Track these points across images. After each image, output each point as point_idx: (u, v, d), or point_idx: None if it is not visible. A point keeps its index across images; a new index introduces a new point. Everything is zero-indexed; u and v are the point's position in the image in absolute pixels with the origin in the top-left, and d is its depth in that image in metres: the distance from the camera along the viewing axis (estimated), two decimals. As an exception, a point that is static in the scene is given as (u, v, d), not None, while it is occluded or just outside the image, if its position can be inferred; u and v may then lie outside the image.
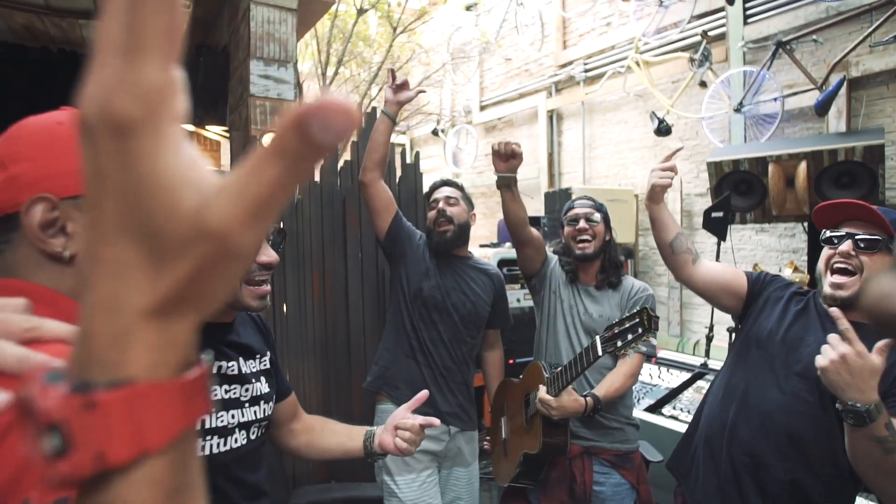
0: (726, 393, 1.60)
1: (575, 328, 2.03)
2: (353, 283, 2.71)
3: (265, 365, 1.31)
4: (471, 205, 2.27)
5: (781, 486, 1.46)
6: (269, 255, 1.15)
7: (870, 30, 3.71)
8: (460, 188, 2.25)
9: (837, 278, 1.41)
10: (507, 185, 2.03)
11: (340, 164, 2.73)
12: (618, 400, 1.91)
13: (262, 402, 1.25)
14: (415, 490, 1.97)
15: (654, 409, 3.13)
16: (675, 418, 2.73)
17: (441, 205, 2.14)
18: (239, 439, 1.18)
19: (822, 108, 3.72)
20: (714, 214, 3.53)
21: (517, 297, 4.13)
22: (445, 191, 2.21)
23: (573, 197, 2.27)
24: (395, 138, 4.53)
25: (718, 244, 3.68)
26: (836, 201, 1.50)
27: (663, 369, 3.44)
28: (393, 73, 2.18)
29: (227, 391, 1.17)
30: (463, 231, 2.17)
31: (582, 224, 2.03)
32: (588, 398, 1.80)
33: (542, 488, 1.93)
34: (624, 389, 1.89)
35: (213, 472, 1.10)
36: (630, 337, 1.60)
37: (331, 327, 2.67)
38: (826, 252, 1.48)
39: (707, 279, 1.74)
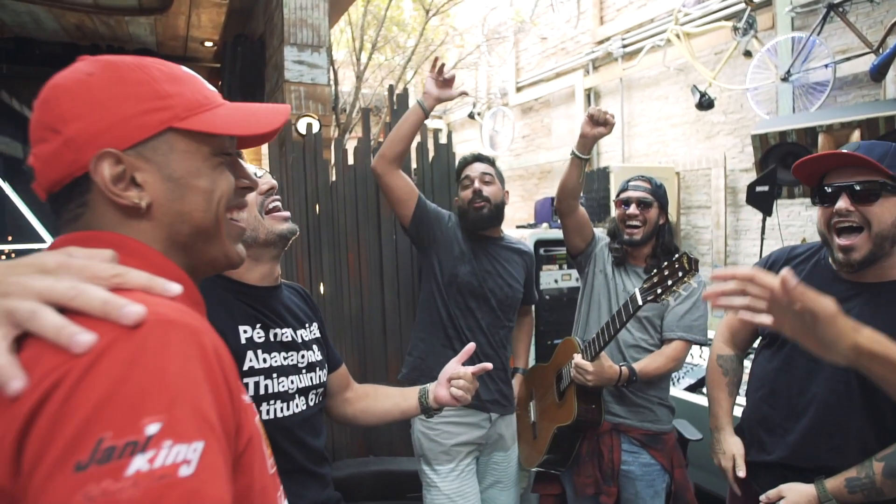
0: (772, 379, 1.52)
1: (619, 307, 1.98)
2: (388, 263, 2.76)
3: (315, 333, 1.33)
4: (503, 182, 2.12)
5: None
6: (267, 181, 1.22)
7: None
8: (493, 163, 2.09)
9: (844, 240, 1.28)
10: (584, 153, 1.94)
11: (373, 144, 2.76)
12: (653, 380, 1.88)
13: (317, 369, 1.27)
14: (454, 480, 1.93)
15: (695, 388, 3.07)
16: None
17: (477, 184, 1.97)
18: (299, 404, 1.20)
19: (878, 73, 3.51)
20: (759, 189, 3.40)
21: (554, 277, 4.09)
22: (479, 167, 2.03)
23: (631, 176, 2.08)
24: (430, 122, 4.54)
25: (763, 220, 3.55)
26: (815, 155, 1.34)
27: (705, 349, 3.36)
28: (440, 65, 2.02)
29: (285, 357, 1.19)
30: (499, 210, 2.02)
31: (632, 209, 1.91)
32: (624, 367, 1.78)
33: (574, 465, 1.93)
34: (664, 371, 1.84)
35: (278, 435, 1.13)
36: (670, 282, 1.56)
37: (367, 307, 2.73)
38: (822, 212, 1.34)
39: None
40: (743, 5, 4.42)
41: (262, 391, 1.13)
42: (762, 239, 3.54)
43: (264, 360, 1.15)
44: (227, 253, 0.71)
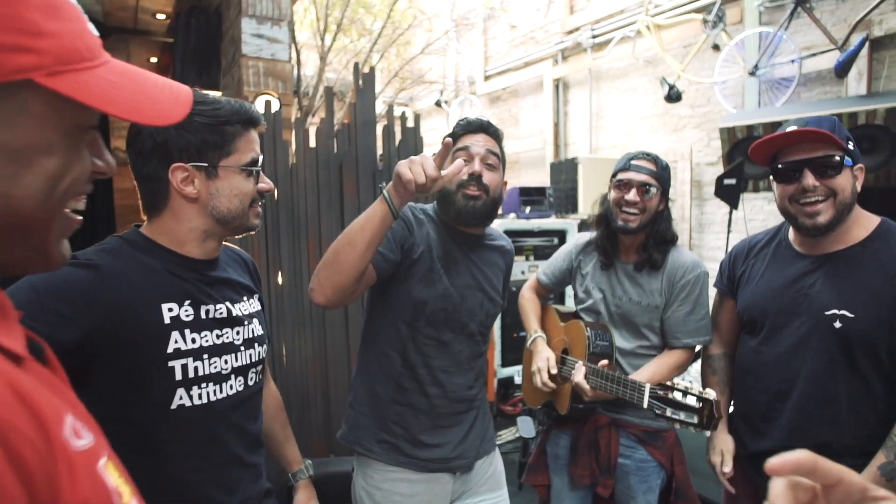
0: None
1: (616, 316, 1.80)
2: (352, 252, 2.62)
3: (256, 306, 1.26)
4: (505, 168, 1.62)
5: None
6: (267, 182, 1.18)
7: (895, -14, 3.52)
8: (501, 140, 1.57)
9: (810, 207, 1.35)
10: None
11: (337, 126, 2.61)
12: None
13: (256, 345, 1.21)
14: None
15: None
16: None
17: (477, 165, 1.46)
18: (235, 385, 1.15)
19: (842, 70, 3.55)
20: (726, 181, 3.40)
21: (521, 269, 4.03)
22: (482, 142, 1.49)
23: (633, 152, 1.79)
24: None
25: (730, 213, 3.56)
26: (776, 133, 1.38)
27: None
28: (448, 145, 1.32)
29: (218, 336, 1.12)
30: (495, 206, 1.52)
31: (632, 195, 1.69)
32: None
33: (572, 457, 1.85)
34: (665, 380, 1.75)
35: (212, 421, 1.10)
36: (681, 415, 1.38)
37: (328, 297, 2.58)
38: (784, 188, 1.40)
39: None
40: (713, -2, 4.42)
41: (190, 374, 1.07)
42: (728, 231, 3.55)
43: (193, 341, 1.08)
44: (48, 254, 0.52)
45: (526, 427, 2.36)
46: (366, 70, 2.66)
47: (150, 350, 1.02)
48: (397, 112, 2.82)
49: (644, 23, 4.98)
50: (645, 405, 1.45)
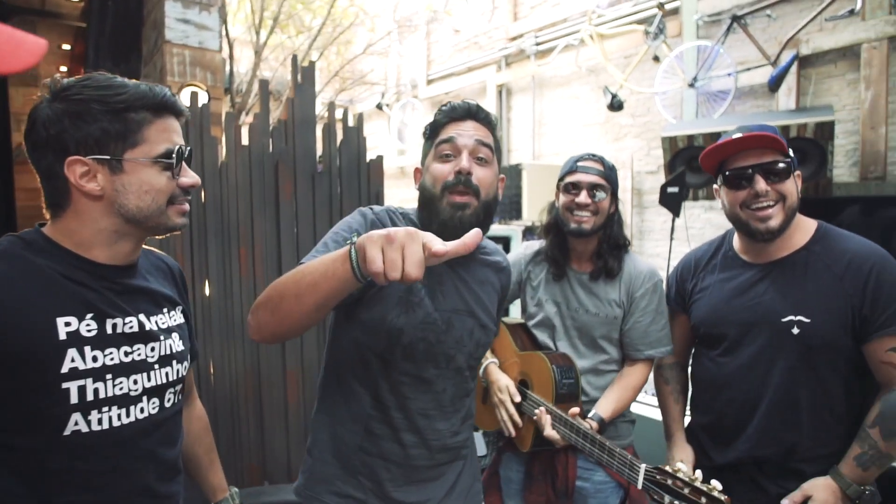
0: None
1: (572, 330, 1.70)
2: (288, 259, 2.40)
3: (177, 319, 1.14)
4: (501, 162, 1.33)
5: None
6: (191, 177, 1.04)
7: (821, 6, 3.69)
8: (495, 128, 1.29)
9: (762, 212, 1.37)
10: None
11: (272, 122, 2.40)
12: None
13: (174, 362, 1.08)
14: None
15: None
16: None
17: (465, 161, 1.18)
18: (147, 408, 1.02)
19: (775, 84, 3.69)
20: (670, 190, 3.44)
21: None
22: (471, 131, 1.22)
23: (579, 154, 1.71)
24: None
25: (673, 220, 3.60)
26: (723, 141, 1.40)
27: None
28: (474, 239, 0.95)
29: (126, 353, 0.99)
30: (488, 213, 1.24)
31: (583, 197, 1.61)
32: (592, 422, 1.54)
33: (527, 484, 1.73)
34: (631, 403, 1.67)
35: (116, 448, 0.98)
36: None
37: (262, 309, 2.36)
38: (735, 194, 1.41)
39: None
40: (655, 10, 4.50)
41: (89, 397, 0.94)
42: (671, 239, 3.60)
43: (94, 359, 0.95)
44: None
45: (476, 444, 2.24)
46: (305, 64, 2.47)
47: (40, 369, 0.90)
48: (339, 111, 2.63)
49: (587, 32, 5.03)
50: (639, 486, 1.31)
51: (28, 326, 0.89)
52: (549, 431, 1.52)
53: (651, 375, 1.72)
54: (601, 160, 1.69)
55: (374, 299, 1.18)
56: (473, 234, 0.86)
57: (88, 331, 0.94)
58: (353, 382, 1.24)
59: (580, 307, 1.69)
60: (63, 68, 4.97)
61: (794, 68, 3.88)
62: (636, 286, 1.66)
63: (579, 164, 1.66)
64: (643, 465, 1.31)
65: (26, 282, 0.91)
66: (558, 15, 5.76)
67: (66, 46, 4.98)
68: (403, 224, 1.23)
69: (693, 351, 1.67)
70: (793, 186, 1.38)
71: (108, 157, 0.94)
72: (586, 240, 1.67)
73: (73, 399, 0.91)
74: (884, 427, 1.30)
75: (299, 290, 0.95)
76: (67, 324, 0.92)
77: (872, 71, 3.58)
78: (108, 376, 0.96)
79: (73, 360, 0.92)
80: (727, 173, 1.41)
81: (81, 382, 0.92)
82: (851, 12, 3.50)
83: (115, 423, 0.96)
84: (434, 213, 1.20)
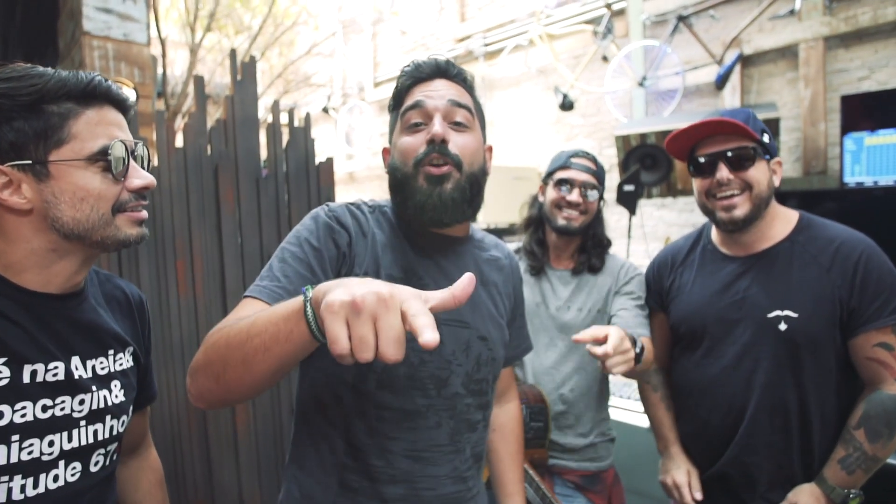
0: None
1: (551, 330, 1.61)
2: (232, 273, 2.20)
3: (124, 363, 0.95)
4: (485, 127, 1.10)
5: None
6: (142, 177, 0.87)
7: (761, 8, 3.79)
8: (471, 87, 1.07)
9: (726, 201, 1.32)
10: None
11: (211, 123, 2.19)
12: (593, 409, 1.61)
13: (108, 418, 0.90)
14: None
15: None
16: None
17: (438, 126, 0.96)
18: (64, 475, 0.83)
19: (721, 83, 3.75)
20: (626, 188, 3.43)
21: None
22: (442, 90, 1.01)
23: (570, 150, 1.67)
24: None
25: (630, 219, 3.60)
26: (686, 126, 1.35)
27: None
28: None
29: (45, 408, 0.81)
30: (476, 187, 1.02)
31: (575, 196, 1.56)
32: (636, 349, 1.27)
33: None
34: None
35: None
36: None
37: (204, 327, 2.14)
38: (700, 182, 1.36)
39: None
40: (603, 10, 4.52)
41: None
42: (629, 237, 3.58)
43: None
44: None
45: None
46: (245, 58, 2.27)
47: None
48: (285, 112, 2.44)
49: (536, 32, 5.01)
50: None
51: None
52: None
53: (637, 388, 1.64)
54: (594, 159, 1.66)
55: None
56: (467, 280, 0.65)
57: None
58: (324, 424, 1.00)
59: (563, 305, 1.62)
60: (-27, 70, 4.51)
61: (737, 67, 3.96)
62: (622, 277, 1.62)
63: (573, 160, 1.62)
64: None
65: None
66: (506, 16, 5.72)
67: (-25, 45, 4.52)
68: (369, 216, 1.03)
69: (673, 354, 1.57)
70: (761, 174, 1.31)
71: (29, 162, 0.78)
72: (569, 237, 1.63)
73: None
74: (868, 428, 1.24)
75: (246, 356, 0.74)
76: None
77: (810, 69, 3.69)
78: (14, 438, 0.77)
79: None
80: (696, 160, 1.35)
81: None
82: (791, 12, 3.60)
83: (17, 496, 0.78)
84: (408, 194, 0.98)
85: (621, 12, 4.63)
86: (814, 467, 1.31)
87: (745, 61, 4.04)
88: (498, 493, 1.22)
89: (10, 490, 0.77)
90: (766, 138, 1.33)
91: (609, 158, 4.63)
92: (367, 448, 0.97)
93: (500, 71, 5.80)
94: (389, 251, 0.99)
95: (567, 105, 4.64)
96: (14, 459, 0.78)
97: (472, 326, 1.04)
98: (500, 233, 4.58)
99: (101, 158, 0.82)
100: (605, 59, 4.65)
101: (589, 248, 1.63)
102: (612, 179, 3.65)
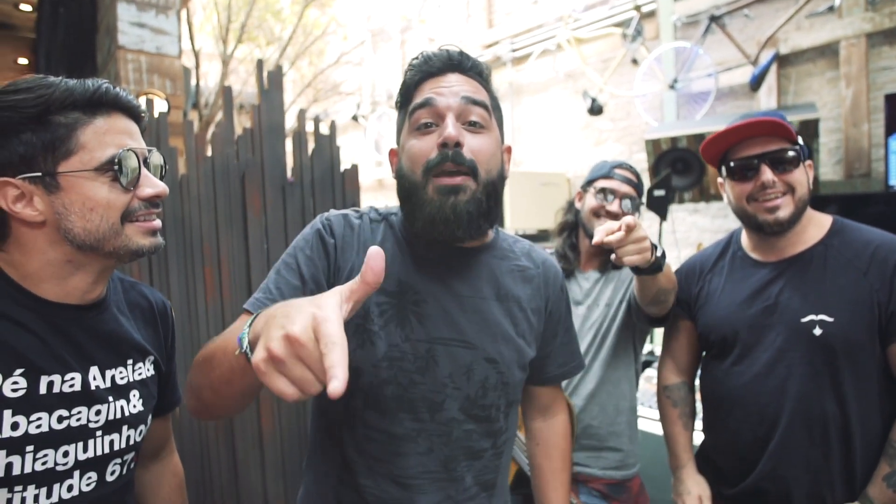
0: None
1: (581, 330, 1.62)
2: (258, 278, 2.22)
3: (144, 373, 0.95)
4: (502, 127, 1.00)
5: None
6: (153, 185, 0.86)
7: (798, 5, 3.66)
8: (487, 79, 0.97)
9: (769, 203, 1.26)
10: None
11: (238, 132, 2.23)
12: (620, 416, 1.58)
13: (125, 428, 0.89)
14: None
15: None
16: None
17: (451, 128, 0.87)
18: (79, 484, 0.83)
19: (756, 84, 3.64)
20: (657, 193, 3.35)
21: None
22: (455, 86, 0.91)
23: (613, 161, 1.69)
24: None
25: (660, 224, 3.51)
26: (726, 129, 1.29)
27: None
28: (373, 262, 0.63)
29: (61, 419, 0.81)
30: (494, 197, 0.93)
31: (615, 207, 1.57)
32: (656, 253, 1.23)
33: None
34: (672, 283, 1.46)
35: None
36: None
37: (231, 332, 2.17)
38: (741, 187, 1.30)
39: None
40: (632, 13, 4.45)
41: (0, 472, 0.76)
42: (659, 243, 3.49)
43: (14, 426, 0.77)
44: None
45: None
46: (273, 67, 2.31)
47: None
48: (310, 120, 2.48)
49: (564, 37, 4.97)
50: None
51: None
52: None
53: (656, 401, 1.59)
54: (636, 172, 1.67)
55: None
56: (374, 255, 0.59)
57: (14, 390, 0.77)
58: (326, 436, 0.97)
59: (593, 304, 1.62)
60: (21, 84, 4.72)
61: (774, 67, 3.85)
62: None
63: (616, 171, 1.62)
64: None
65: None
66: (534, 21, 5.70)
67: (24, 60, 4.75)
68: (366, 223, 0.97)
69: (701, 365, 1.52)
70: (803, 176, 1.27)
71: (39, 175, 0.78)
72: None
73: None
74: None
75: (213, 384, 0.76)
76: None
77: (852, 68, 3.55)
78: (29, 448, 0.78)
79: None
80: (731, 164, 1.30)
81: None
82: (830, 9, 3.47)
83: None
84: (417, 205, 0.89)
85: (651, 14, 4.55)
86: (856, 484, 1.23)
87: (782, 61, 3.92)
88: None
89: (23, 499, 0.78)
90: (800, 140, 1.29)
91: (639, 163, 4.54)
92: (356, 466, 0.93)
93: (527, 76, 5.77)
94: (387, 263, 0.82)
95: (596, 109, 4.58)
96: (28, 470, 0.78)
97: (478, 347, 0.94)
98: (527, 239, 4.55)
99: (109, 168, 0.81)
100: (634, 62, 4.58)
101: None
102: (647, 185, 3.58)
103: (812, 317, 1.24)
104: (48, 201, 0.79)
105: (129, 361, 0.92)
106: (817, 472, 1.25)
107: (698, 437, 1.51)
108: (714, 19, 3.93)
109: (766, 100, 3.95)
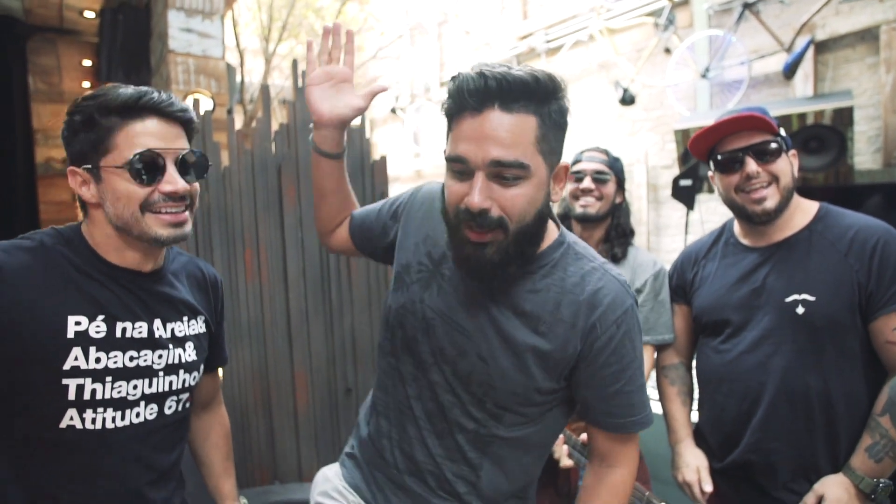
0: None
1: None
2: (293, 262, 2.42)
3: (196, 329, 1.14)
4: (560, 147, 0.98)
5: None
6: (172, 182, 0.99)
7: (836, -11, 3.59)
8: (538, 100, 0.91)
9: (756, 194, 1.34)
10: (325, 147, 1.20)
11: (275, 127, 2.42)
12: None
13: (181, 371, 1.09)
14: None
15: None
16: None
17: (476, 198, 0.87)
18: (144, 413, 1.03)
19: (790, 71, 3.59)
20: (682, 183, 3.37)
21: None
22: (489, 140, 0.87)
23: (583, 148, 1.81)
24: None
25: (687, 214, 3.53)
26: (709, 126, 1.36)
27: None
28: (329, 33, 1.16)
29: (132, 358, 1.01)
30: (526, 239, 0.93)
31: (587, 183, 1.67)
32: None
33: None
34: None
35: (105, 449, 0.99)
36: None
37: (268, 312, 2.38)
38: (728, 179, 1.37)
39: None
40: (664, 2, 4.43)
41: (86, 396, 0.96)
42: (686, 234, 3.51)
43: (97, 360, 0.97)
44: None
45: None
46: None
47: (45, 363, 0.93)
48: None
49: (597, 27, 4.98)
50: None
51: (39, 322, 0.93)
52: (566, 462, 1.48)
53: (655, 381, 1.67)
54: (605, 151, 1.76)
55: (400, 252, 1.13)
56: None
57: (97, 332, 0.97)
58: (377, 369, 1.16)
59: None
60: (85, 84, 5.10)
61: (810, 54, 3.77)
62: (637, 274, 1.66)
63: (584, 154, 1.75)
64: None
65: (46, 276, 0.95)
66: (567, 12, 5.71)
67: (87, 63, 5.13)
68: (427, 206, 1.12)
69: (696, 346, 1.60)
70: (786, 166, 1.34)
71: (89, 167, 0.97)
72: (592, 227, 1.72)
73: (71, 396, 0.94)
74: (894, 414, 1.22)
75: (318, 187, 1.26)
76: (77, 323, 0.95)
77: (893, 53, 3.45)
78: (108, 379, 0.97)
79: (76, 359, 0.94)
80: (718, 158, 1.38)
81: (80, 381, 0.94)
82: (868, -7, 3.39)
83: (109, 425, 0.98)
84: (454, 239, 0.94)
85: (684, 3, 4.52)
86: (840, 457, 1.29)
87: (819, 47, 3.83)
88: None
89: (104, 420, 0.98)
90: (782, 131, 1.37)
91: (671, 153, 4.54)
92: (378, 395, 1.14)
93: (560, 67, 5.80)
94: (441, 237, 1.03)
95: (628, 99, 4.59)
96: (107, 396, 0.98)
97: (474, 340, 0.98)
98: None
99: (131, 165, 0.96)
100: (667, 51, 4.55)
101: (612, 238, 1.70)
102: (675, 175, 3.59)
103: (795, 296, 1.31)
104: (97, 188, 0.99)
105: (185, 318, 1.11)
106: (800, 444, 1.32)
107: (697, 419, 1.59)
108: (747, 6, 3.88)
109: (801, 87, 3.88)
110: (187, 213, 1.03)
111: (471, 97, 0.86)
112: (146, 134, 0.97)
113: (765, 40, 4.01)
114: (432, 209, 1.07)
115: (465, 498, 1.03)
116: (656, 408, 2.31)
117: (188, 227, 1.03)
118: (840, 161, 3.23)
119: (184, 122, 1.04)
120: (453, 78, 0.90)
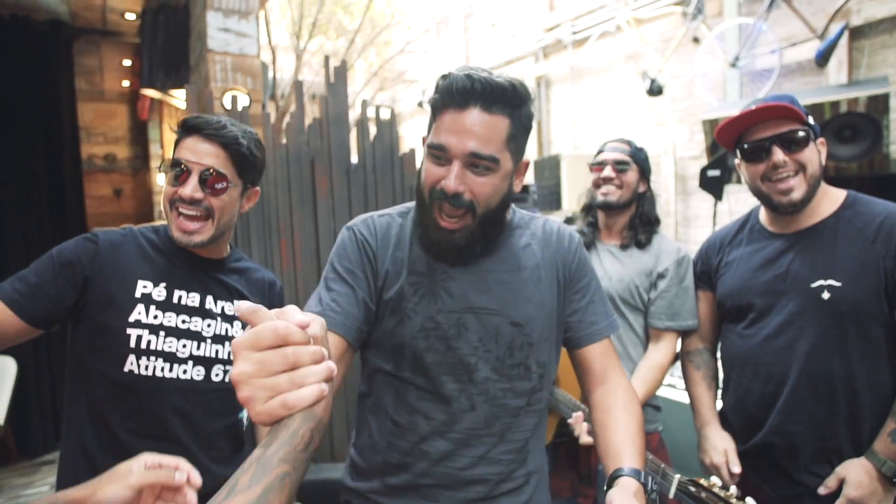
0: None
1: None
2: (326, 251, 2.52)
3: None
4: (521, 147, 1.05)
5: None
6: (186, 189, 1.17)
7: (872, -26, 3.50)
8: (515, 105, 0.98)
9: (783, 184, 1.34)
10: None
11: (308, 121, 2.52)
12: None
13: (227, 343, 1.25)
14: None
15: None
16: (672, 386, 2.58)
17: (452, 181, 0.98)
18: (191, 372, 1.20)
19: (822, 59, 3.52)
20: (710, 173, 3.35)
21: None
22: (469, 134, 0.96)
23: (608, 140, 1.87)
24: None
25: (715, 205, 3.51)
26: (736, 115, 1.36)
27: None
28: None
29: (184, 321, 1.20)
30: (491, 223, 1.05)
31: (608, 172, 1.72)
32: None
33: (552, 468, 1.75)
34: (658, 385, 1.66)
35: (155, 395, 1.16)
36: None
37: (303, 298, 2.48)
38: (754, 168, 1.38)
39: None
40: (692, -10, 4.39)
41: (143, 345, 1.16)
42: (714, 224, 3.50)
43: (155, 317, 1.18)
44: None
45: None
46: (337, 64, 2.58)
47: (118, 313, 1.15)
48: (371, 109, 2.73)
49: (624, 17, 4.95)
50: (671, 495, 1.28)
51: (120, 282, 1.17)
52: (586, 439, 1.51)
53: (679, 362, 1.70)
54: (628, 142, 1.80)
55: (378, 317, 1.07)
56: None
57: (158, 296, 1.19)
58: (370, 413, 1.13)
59: (604, 276, 1.73)
60: (125, 83, 5.31)
61: (844, 41, 3.69)
62: (661, 259, 1.70)
63: (607, 145, 1.80)
64: (676, 476, 1.28)
65: (130, 250, 1.21)
66: (594, 2, 5.68)
67: (128, 62, 5.33)
68: (396, 219, 1.12)
69: (721, 330, 1.61)
70: (813, 155, 1.34)
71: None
72: (616, 214, 1.76)
73: (132, 343, 1.15)
74: None
75: None
76: (145, 287, 1.19)
77: (931, 38, 3.36)
78: (162, 333, 1.17)
79: (139, 314, 1.16)
80: (745, 146, 1.38)
81: (140, 332, 1.15)
82: (904, -23, 3.30)
83: (158, 374, 1.16)
84: (424, 222, 1.04)
85: (714, -10, 4.46)
86: (863, 441, 1.30)
87: (854, 33, 3.75)
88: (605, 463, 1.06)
89: (155, 367, 1.16)
90: (810, 119, 1.36)
91: (700, 144, 4.50)
92: (404, 424, 1.08)
93: (588, 59, 5.78)
94: (415, 249, 1.08)
95: (655, 90, 4.56)
96: (160, 348, 1.17)
97: (503, 313, 1.06)
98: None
99: (166, 166, 1.21)
100: (695, 40, 4.51)
101: (636, 226, 1.74)
102: (703, 165, 3.57)
103: (821, 282, 1.32)
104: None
105: (236, 301, 1.24)
106: (823, 428, 1.33)
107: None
108: (779, -7, 3.82)
109: (835, 74, 3.80)
110: (201, 223, 1.19)
111: (457, 95, 0.95)
112: (188, 149, 1.19)
113: (797, 27, 3.94)
114: (387, 239, 1.09)
115: (511, 478, 1.10)
116: (678, 395, 2.37)
117: (198, 238, 1.19)
118: (875, 150, 3.17)
119: (223, 143, 1.20)
120: (444, 76, 0.99)
